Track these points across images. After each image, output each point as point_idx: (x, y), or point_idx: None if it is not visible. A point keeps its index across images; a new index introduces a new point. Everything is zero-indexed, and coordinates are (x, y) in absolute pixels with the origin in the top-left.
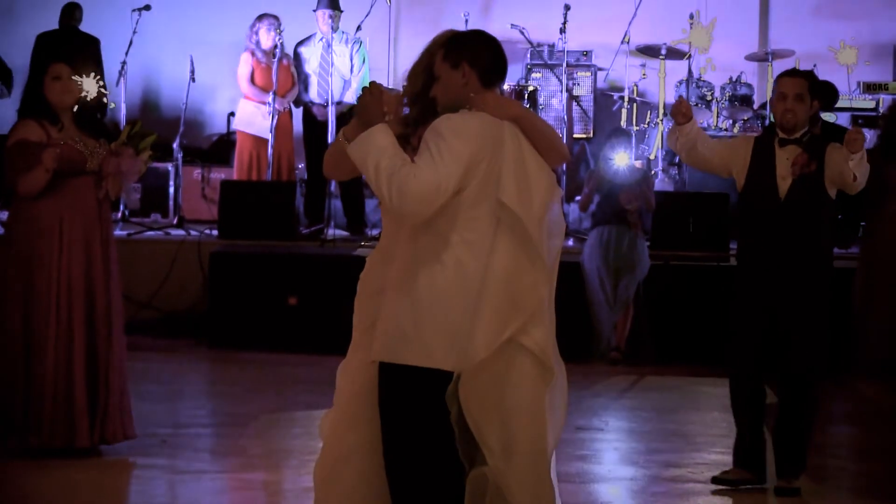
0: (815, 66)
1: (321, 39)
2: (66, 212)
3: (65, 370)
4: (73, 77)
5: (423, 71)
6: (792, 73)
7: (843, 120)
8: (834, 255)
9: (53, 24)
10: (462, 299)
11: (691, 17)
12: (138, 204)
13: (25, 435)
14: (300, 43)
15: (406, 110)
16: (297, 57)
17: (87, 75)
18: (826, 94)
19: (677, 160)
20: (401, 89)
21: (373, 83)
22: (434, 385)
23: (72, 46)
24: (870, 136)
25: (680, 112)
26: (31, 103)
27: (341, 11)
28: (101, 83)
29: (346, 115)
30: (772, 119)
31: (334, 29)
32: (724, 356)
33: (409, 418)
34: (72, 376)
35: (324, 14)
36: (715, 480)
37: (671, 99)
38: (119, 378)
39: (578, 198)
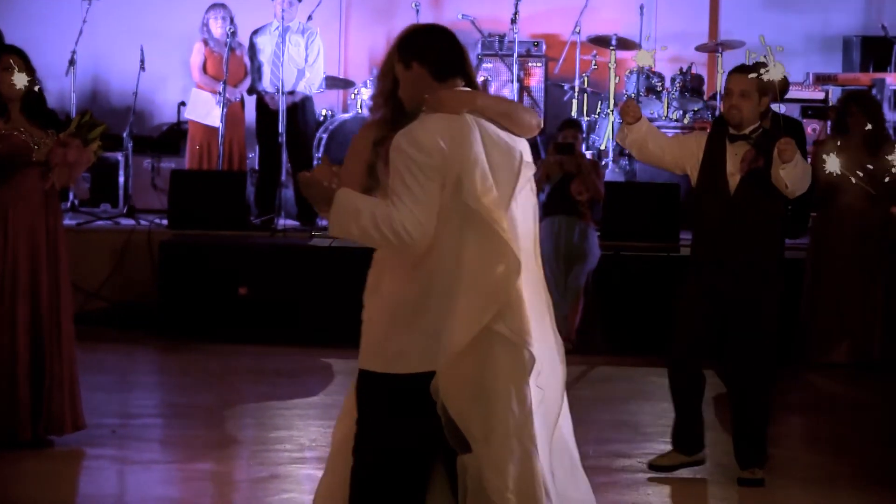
0: (764, 57)
1: (276, 28)
2: (11, 202)
3: (7, 362)
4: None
5: (389, 72)
6: (740, 69)
7: (791, 111)
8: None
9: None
10: (433, 299)
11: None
12: (87, 193)
13: None
14: (255, 32)
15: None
16: (251, 46)
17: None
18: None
19: (627, 151)
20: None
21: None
22: (412, 387)
23: None
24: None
25: (628, 113)
26: None
27: (300, 0)
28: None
29: (299, 105)
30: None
31: (292, 17)
32: (666, 344)
33: (384, 421)
34: (14, 368)
35: (282, 1)
36: (651, 466)
37: (622, 90)
38: (68, 369)
39: None
